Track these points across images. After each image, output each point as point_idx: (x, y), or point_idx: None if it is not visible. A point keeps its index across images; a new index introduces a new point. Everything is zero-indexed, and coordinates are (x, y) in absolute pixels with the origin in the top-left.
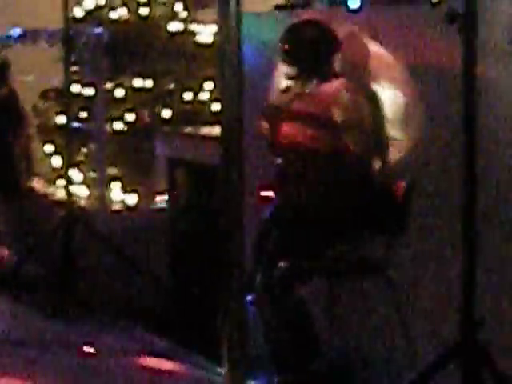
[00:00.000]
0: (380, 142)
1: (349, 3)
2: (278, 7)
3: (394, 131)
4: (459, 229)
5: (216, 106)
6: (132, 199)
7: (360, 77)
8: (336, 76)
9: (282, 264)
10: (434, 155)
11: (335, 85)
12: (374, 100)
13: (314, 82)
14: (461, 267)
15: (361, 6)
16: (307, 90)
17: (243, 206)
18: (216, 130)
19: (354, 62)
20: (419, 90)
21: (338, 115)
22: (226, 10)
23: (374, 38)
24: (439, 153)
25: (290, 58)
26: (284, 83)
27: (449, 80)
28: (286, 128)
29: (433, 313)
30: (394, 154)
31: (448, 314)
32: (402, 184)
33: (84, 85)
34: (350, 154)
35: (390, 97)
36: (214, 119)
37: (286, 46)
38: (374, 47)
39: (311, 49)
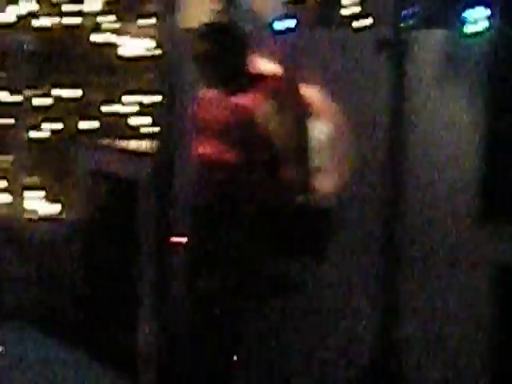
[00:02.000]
0: (302, 164)
1: (274, 25)
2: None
3: (319, 160)
4: (379, 256)
5: (135, 120)
6: (51, 209)
7: (285, 97)
8: (253, 88)
9: (200, 281)
10: (359, 181)
11: (256, 95)
12: (299, 121)
13: (230, 90)
14: (379, 292)
15: (286, 28)
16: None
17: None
18: (133, 144)
19: (281, 90)
20: (345, 118)
21: (260, 125)
22: (167, 24)
23: (298, 61)
24: (364, 178)
25: (198, 63)
26: (200, 93)
27: (374, 107)
28: (199, 141)
29: (346, 336)
30: (320, 183)
31: (362, 338)
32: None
33: (7, 91)
34: (271, 171)
35: (315, 128)
36: (132, 133)
37: (194, 52)
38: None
39: (217, 56)
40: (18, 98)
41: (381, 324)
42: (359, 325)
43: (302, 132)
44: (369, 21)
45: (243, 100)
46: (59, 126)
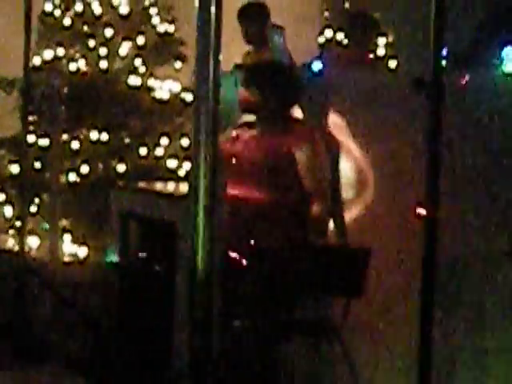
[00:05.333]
0: (335, 199)
1: (312, 66)
2: (238, 66)
3: (350, 192)
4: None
5: (171, 163)
6: (83, 252)
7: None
8: (292, 130)
9: (235, 323)
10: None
11: (296, 138)
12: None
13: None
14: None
15: (322, 69)
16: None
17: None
18: (170, 187)
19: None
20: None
21: (296, 167)
22: (205, 67)
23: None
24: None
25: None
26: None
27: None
28: (232, 180)
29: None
30: (350, 213)
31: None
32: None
33: (40, 135)
34: (307, 211)
35: (345, 162)
36: (169, 175)
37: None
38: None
39: (268, 96)
40: (54, 142)
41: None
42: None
43: (334, 174)
44: (403, 61)
45: (283, 141)
46: (95, 169)
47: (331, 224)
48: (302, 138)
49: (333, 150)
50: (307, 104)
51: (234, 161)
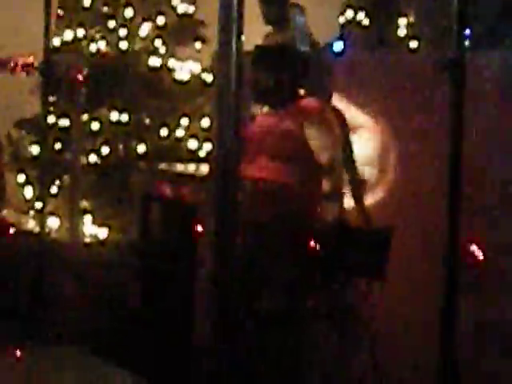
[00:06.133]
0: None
1: (334, 47)
2: (259, 47)
3: (369, 172)
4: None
5: (192, 144)
6: (103, 233)
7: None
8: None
9: (263, 302)
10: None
11: (298, 118)
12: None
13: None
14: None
15: (343, 50)
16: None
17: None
18: (191, 168)
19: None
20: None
21: (303, 143)
22: (227, 48)
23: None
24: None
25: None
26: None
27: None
28: (249, 161)
29: (408, 358)
30: (371, 195)
31: (424, 361)
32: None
33: (59, 116)
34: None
35: (365, 140)
36: (190, 157)
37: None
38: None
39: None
40: (74, 123)
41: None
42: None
43: (347, 152)
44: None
45: (288, 122)
46: (115, 150)
47: (350, 204)
48: (313, 115)
49: (344, 128)
50: (319, 81)
51: (250, 143)
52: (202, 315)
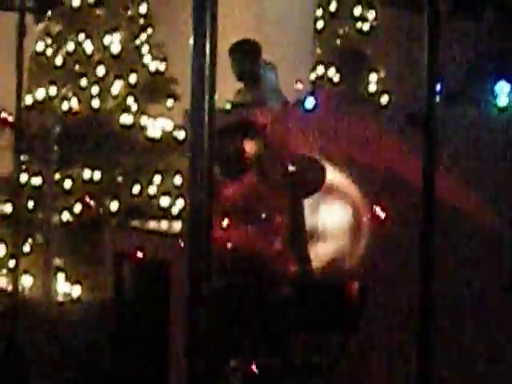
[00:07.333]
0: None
1: (305, 103)
2: (233, 105)
3: (343, 240)
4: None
5: (164, 201)
6: (76, 291)
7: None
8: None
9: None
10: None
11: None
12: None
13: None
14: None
15: (315, 106)
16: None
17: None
18: (163, 225)
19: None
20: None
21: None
22: (199, 104)
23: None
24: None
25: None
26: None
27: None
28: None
29: None
30: (348, 260)
31: None
32: (355, 285)
33: (32, 175)
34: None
35: (338, 210)
36: (162, 214)
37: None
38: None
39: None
40: (47, 181)
41: None
42: None
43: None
44: (394, 97)
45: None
46: (89, 207)
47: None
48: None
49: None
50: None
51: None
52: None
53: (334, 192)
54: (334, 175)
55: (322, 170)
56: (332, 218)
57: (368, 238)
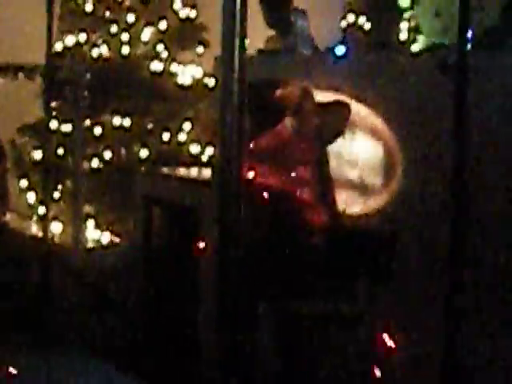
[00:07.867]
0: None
1: (335, 50)
2: (261, 52)
3: (372, 179)
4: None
5: (194, 148)
6: (106, 238)
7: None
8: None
9: (262, 307)
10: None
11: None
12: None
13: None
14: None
15: (346, 53)
16: None
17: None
18: (193, 172)
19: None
20: (405, 138)
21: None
22: (230, 51)
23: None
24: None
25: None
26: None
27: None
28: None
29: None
30: (375, 202)
31: (428, 365)
32: (386, 232)
33: (62, 121)
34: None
35: (367, 146)
36: (192, 161)
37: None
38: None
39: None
40: (77, 128)
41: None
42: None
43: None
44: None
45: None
46: (118, 154)
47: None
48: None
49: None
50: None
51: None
52: (207, 319)
53: (364, 129)
54: (366, 113)
55: (346, 108)
56: (364, 155)
57: (401, 179)
